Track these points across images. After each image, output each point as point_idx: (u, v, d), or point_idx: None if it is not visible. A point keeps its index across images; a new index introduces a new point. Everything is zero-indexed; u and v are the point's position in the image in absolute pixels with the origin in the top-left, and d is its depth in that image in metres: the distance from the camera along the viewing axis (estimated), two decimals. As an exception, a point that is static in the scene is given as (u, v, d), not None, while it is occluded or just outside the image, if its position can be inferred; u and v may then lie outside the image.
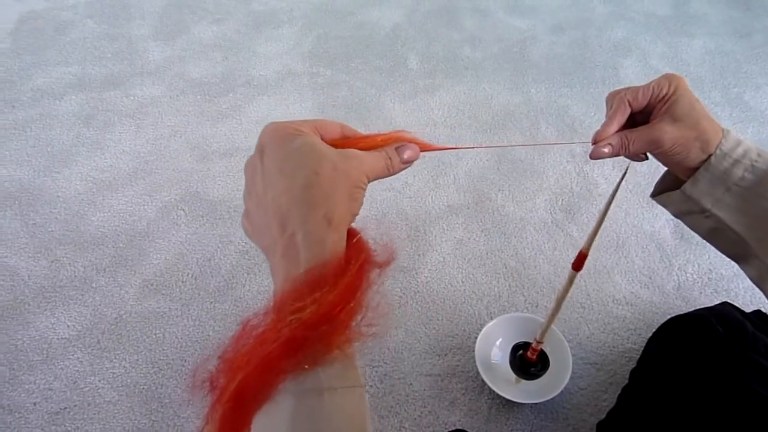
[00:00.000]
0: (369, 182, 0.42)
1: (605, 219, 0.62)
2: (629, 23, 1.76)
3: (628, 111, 0.54)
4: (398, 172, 0.45)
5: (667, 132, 0.52)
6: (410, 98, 1.52)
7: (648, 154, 0.57)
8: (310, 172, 0.38)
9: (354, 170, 0.40)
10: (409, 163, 0.45)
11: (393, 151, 0.44)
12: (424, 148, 0.47)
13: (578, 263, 0.70)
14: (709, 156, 0.52)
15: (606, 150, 0.54)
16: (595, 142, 0.55)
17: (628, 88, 0.55)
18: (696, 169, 0.54)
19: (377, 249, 0.43)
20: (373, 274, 0.41)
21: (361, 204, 0.42)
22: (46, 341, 1.04)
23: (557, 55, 1.65)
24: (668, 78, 0.53)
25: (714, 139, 0.52)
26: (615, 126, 0.54)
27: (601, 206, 0.62)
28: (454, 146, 0.50)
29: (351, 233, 0.42)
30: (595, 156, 0.55)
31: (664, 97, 0.53)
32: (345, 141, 0.44)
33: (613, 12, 1.81)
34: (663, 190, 0.59)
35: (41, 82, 1.63)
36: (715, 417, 0.70)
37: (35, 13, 1.91)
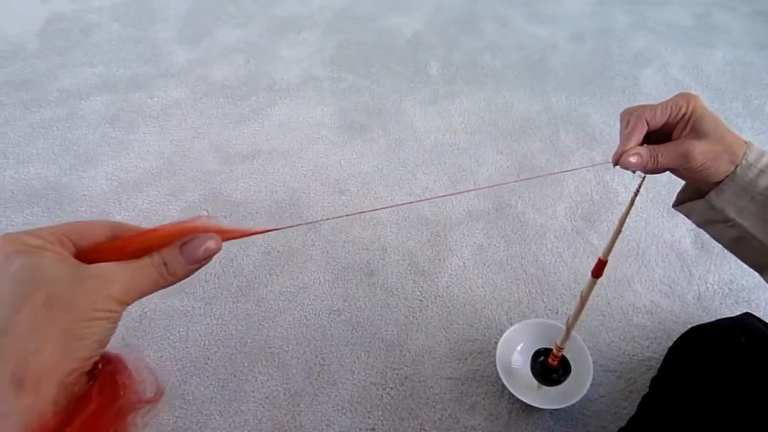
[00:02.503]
0: (129, 304, 0.33)
1: (623, 228, 0.63)
2: (650, 33, 1.77)
3: (645, 129, 0.54)
4: (186, 277, 0.35)
5: (696, 147, 0.52)
6: (431, 104, 1.54)
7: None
8: (7, 311, 0.29)
9: (88, 298, 0.31)
10: (203, 261, 0.35)
11: (173, 252, 0.34)
12: (228, 235, 0.36)
13: (598, 270, 0.71)
14: (736, 167, 0.53)
15: (633, 160, 0.54)
16: (616, 162, 0.55)
17: (645, 106, 0.55)
18: (720, 182, 0.54)
19: (142, 381, 0.34)
20: (130, 420, 0.32)
21: (100, 343, 0.31)
22: (72, 336, 1.06)
23: (578, 63, 1.66)
24: (685, 97, 0.54)
25: (739, 151, 0.53)
26: (633, 143, 0.54)
27: (620, 215, 0.63)
28: (274, 227, 0.41)
29: (105, 360, 0.33)
30: (623, 165, 0.55)
31: (683, 116, 0.54)
32: (112, 246, 0.34)
33: (634, 22, 1.82)
34: (685, 200, 0.60)
35: (68, 82, 1.66)
36: (737, 426, 0.70)
37: (62, 15, 1.95)
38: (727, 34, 1.76)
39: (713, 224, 0.58)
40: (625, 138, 0.55)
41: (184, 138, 1.46)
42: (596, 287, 0.73)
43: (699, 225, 0.61)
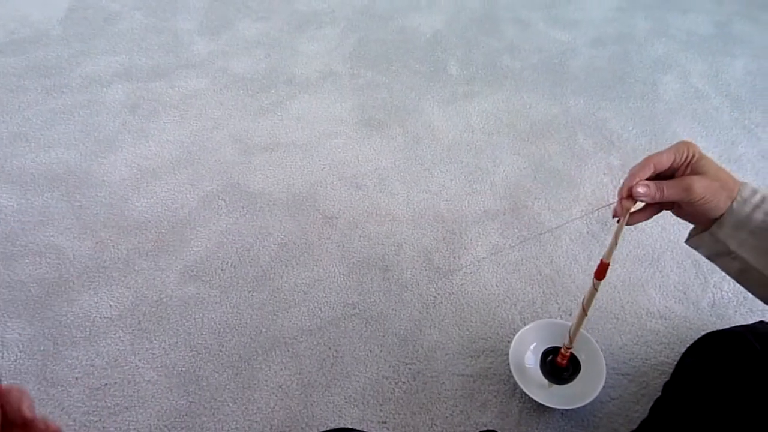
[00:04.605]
0: None
1: (622, 233, 0.66)
2: (670, 40, 1.76)
3: (652, 170, 0.61)
4: None
5: (696, 181, 0.59)
6: (449, 103, 1.54)
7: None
8: None
9: None
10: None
11: None
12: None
13: (600, 272, 0.73)
14: (732, 201, 0.59)
15: (642, 190, 0.60)
16: (628, 195, 0.62)
17: (653, 154, 0.62)
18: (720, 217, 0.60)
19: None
20: None
21: None
22: (89, 319, 1.07)
23: (597, 68, 1.66)
24: (686, 144, 0.60)
25: (735, 188, 0.59)
26: (638, 180, 0.61)
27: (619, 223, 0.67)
28: None
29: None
30: (633, 194, 0.61)
31: (685, 160, 0.60)
32: None
33: (655, 29, 1.82)
34: (694, 236, 0.66)
35: (90, 69, 1.67)
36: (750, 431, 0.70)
37: (85, 2, 1.97)
38: (748, 44, 1.75)
39: (720, 257, 0.64)
40: (631, 174, 0.61)
41: (203, 128, 1.47)
42: (601, 289, 0.76)
43: (708, 258, 0.66)
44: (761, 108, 1.52)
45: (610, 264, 0.72)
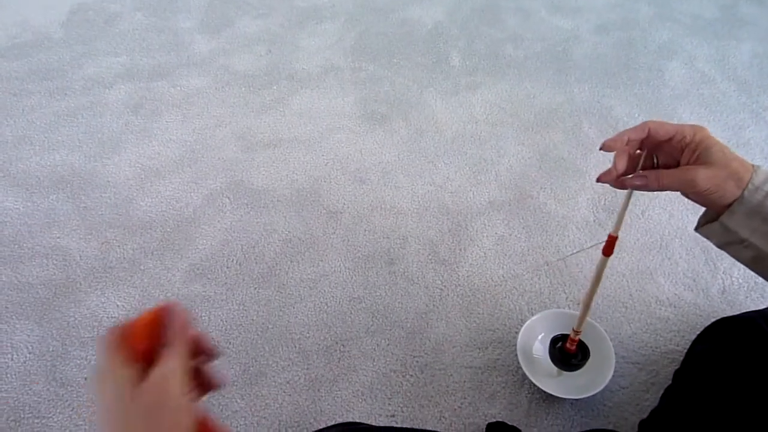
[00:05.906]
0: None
1: (629, 203, 0.64)
2: (675, 25, 1.74)
3: (646, 132, 0.58)
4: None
5: (700, 173, 0.56)
6: (452, 95, 1.53)
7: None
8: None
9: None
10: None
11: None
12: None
13: (608, 248, 0.72)
14: (743, 190, 0.56)
15: (638, 182, 0.59)
16: (602, 148, 0.58)
17: (654, 120, 0.59)
18: (731, 204, 0.57)
19: None
20: None
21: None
22: (96, 319, 1.07)
23: (601, 55, 1.64)
24: (693, 127, 0.58)
25: (746, 175, 0.56)
26: (626, 136, 0.57)
27: (629, 198, 0.64)
28: None
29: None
30: (628, 185, 0.60)
31: (688, 144, 0.58)
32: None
33: (659, 14, 1.79)
34: (704, 224, 0.63)
35: (92, 71, 1.67)
36: (762, 419, 0.69)
37: (86, 5, 1.97)
38: (754, 27, 1.73)
39: (731, 245, 0.61)
40: (622, 132, 0.58)
41: (206, 126, 1.47)
42: (609, 277, 0.74)
43: (719, 247, 0.63)
44: (769, 91, 1.50)
45: (618, 238, 0.70)
